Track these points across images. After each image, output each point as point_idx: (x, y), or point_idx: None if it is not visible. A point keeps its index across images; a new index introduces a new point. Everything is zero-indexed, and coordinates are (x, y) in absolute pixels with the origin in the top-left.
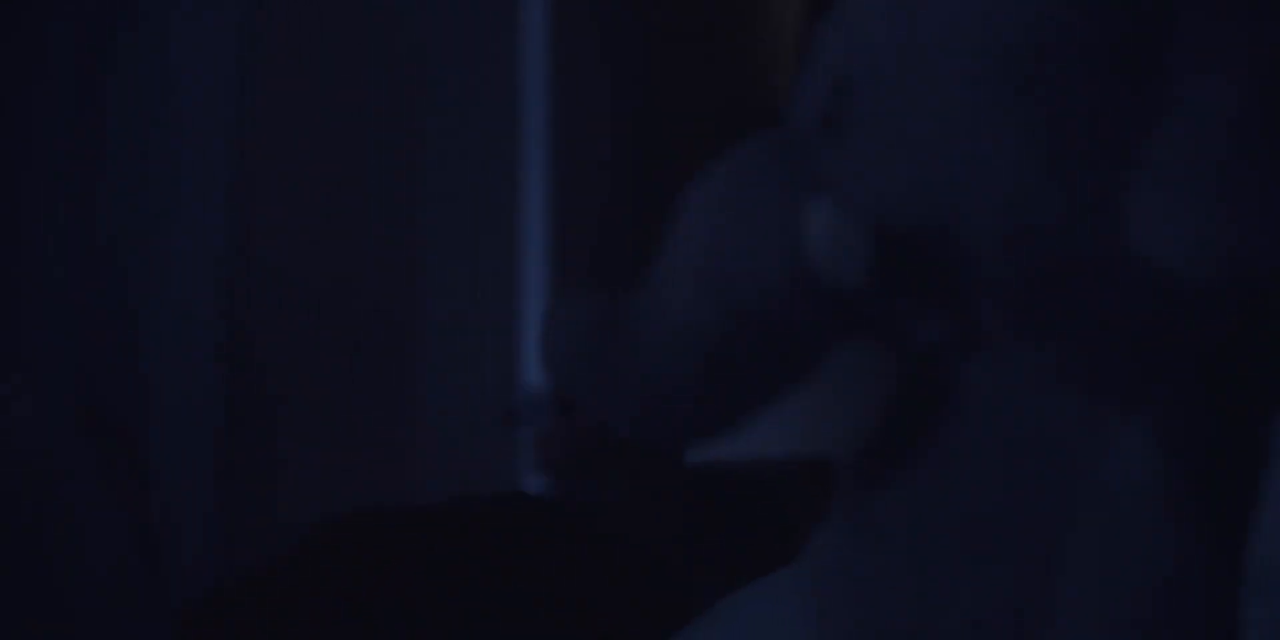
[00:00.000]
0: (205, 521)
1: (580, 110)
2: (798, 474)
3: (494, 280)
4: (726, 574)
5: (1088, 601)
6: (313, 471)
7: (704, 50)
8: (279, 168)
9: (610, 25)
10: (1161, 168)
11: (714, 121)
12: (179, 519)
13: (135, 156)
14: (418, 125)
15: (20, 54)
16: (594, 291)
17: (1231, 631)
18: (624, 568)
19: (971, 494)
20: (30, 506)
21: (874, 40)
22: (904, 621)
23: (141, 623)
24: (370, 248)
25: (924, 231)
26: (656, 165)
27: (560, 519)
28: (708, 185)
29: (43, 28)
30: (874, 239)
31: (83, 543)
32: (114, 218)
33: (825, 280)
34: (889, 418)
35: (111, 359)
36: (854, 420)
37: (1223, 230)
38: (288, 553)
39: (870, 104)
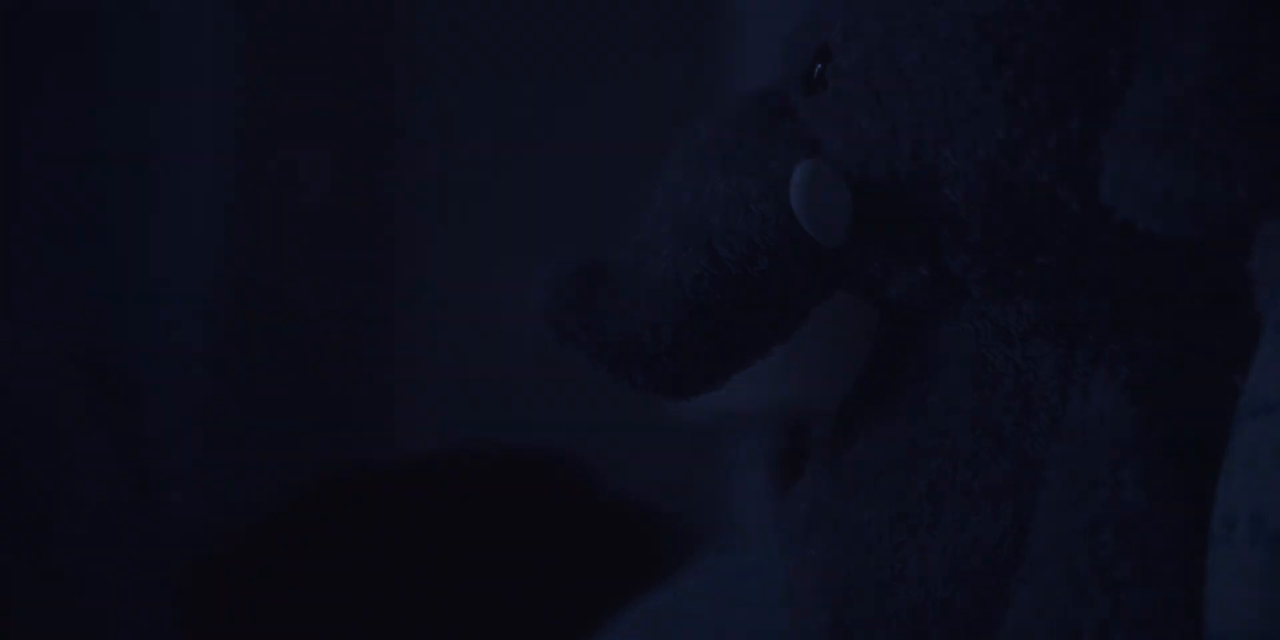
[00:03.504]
0: (193, 466)
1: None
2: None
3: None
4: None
5: (1057, 547)
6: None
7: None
8: (273, 164)
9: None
10: (1131, 124)
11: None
12: (168, 464)
13: (131, 152)
14: (413, 124)
15: (20, 54)
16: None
17: (1196, 579)
18: (616, 516)
19: (946, 443)
20: (25, 442)
21: (855, 4)
22: (881, 568)
23: (133, 552)
24: (357, 236)
25: (903, 189)
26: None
27: (553, 469)
28: (693, 141)
29: (42, 27)
30: (854, 196)
31: (76, 479)
32: (109, 206)
33: (807, 236)
34: (868, 369)
35: (105, 328)
36: (835, 373)
37: (1191, 185)
38: (280, 508)
39: (851, 65)
